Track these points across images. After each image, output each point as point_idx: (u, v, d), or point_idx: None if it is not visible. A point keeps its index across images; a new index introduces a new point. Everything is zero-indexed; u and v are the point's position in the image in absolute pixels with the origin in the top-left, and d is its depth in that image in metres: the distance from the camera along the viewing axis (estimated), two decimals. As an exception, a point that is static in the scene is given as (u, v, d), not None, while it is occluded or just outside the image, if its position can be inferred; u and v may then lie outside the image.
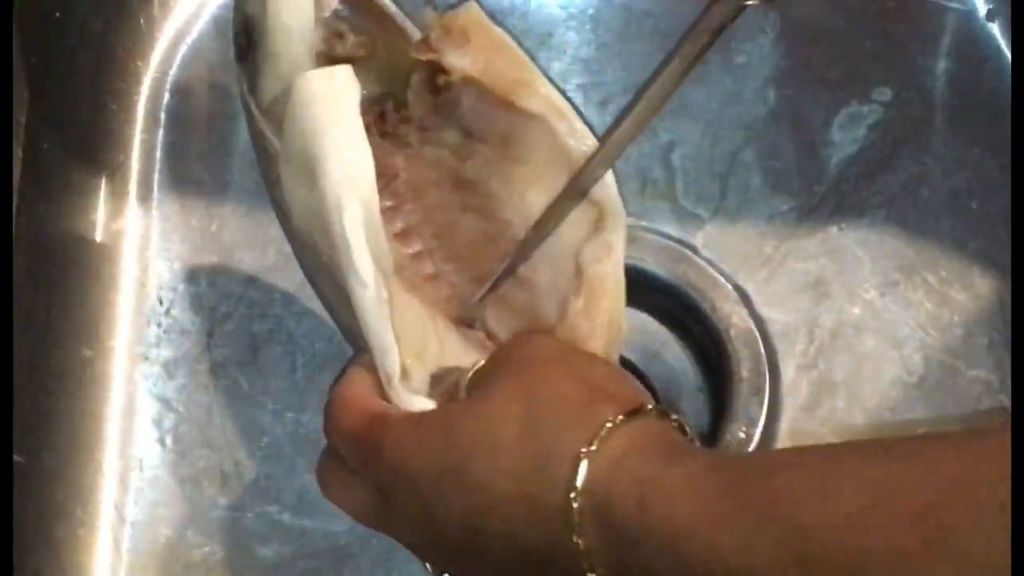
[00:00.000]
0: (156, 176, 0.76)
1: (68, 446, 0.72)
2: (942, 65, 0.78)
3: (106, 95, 0.76)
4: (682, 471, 0.45)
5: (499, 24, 0.55)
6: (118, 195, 0.75)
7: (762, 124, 0.77)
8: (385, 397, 0.53)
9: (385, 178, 0.55)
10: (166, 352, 0.74)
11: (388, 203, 0.55)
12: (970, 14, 0.78)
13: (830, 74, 0.77)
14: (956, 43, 0.78)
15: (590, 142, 0.54)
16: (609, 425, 0.47)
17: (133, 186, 0.76)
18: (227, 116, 0.76)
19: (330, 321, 0.70)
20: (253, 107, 0.54)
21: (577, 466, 0.46)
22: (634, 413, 0.47)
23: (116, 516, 0.72)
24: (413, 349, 0.53)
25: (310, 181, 0.50)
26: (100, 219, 0.75)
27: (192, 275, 0.75)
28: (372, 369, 0.53)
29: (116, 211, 0.75)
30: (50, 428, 0.71)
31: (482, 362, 0.53)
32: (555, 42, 0.78)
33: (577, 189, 0.54)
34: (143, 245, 0.75)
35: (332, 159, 0.50)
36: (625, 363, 0.68)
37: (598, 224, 0.54)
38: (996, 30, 0.78)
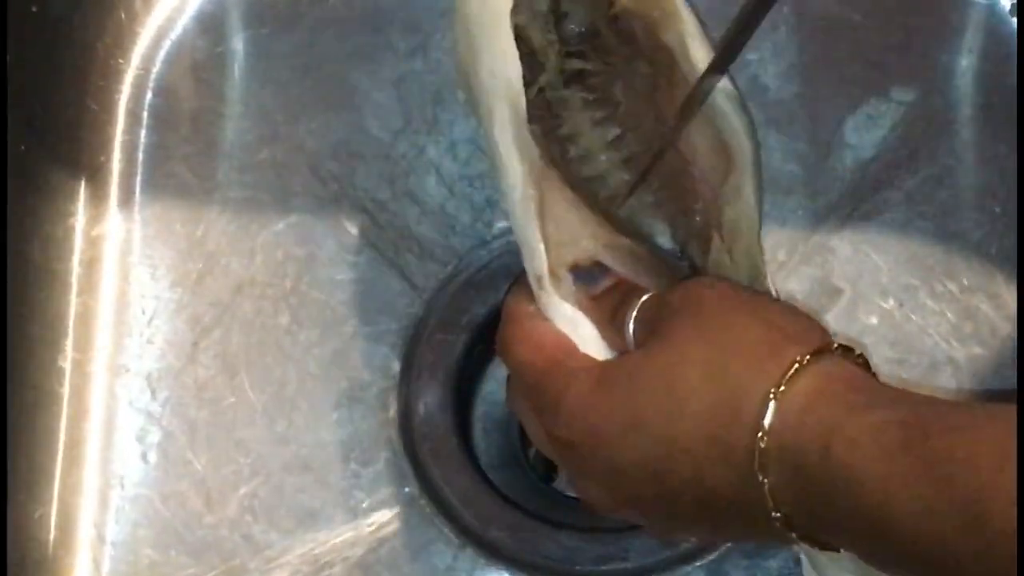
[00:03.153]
0: (138, 178, 0.75)
1: (44, 462, 0.71)
2: (965, 61, 0.77)
3: (86, 94, 0.75)
4: (866, 421, 0.46)
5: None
6: (98, 199, 0.74)
7: (775, 123, 0.75)
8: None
9: (608, 107, 0.58)
10: (149, 364, 0.73)
11: (616, 131, 0.58)
12: (994, 8, 0.77)
13: (847, 71, 0.76)
14: (980, 38, 0.77)
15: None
16: (796, 366, 0.48)
17: (114, 189, 0.75)
18: (213, 115, 0.75)
19: (322, 332, 0.72)
20: None
21: (765, 407, 0.47)
22: (819, 353, 0.48)
23: (96, 536, 0.71)
24: (564, 248, 0.56)
25: (476, 78, 0.56)
26: (79, 224, 0.74)
27: (176, 283, 0.74)
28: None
29: (96, 215, 0.74)
30: (25, 443, 0.70)
31: (646, 296, 0.54)
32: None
33: (694, 102, 0.56)
34: (124, 251, 0.74)
35: (484, 67, 0.55)
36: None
37: (729, 167, 0.57)
38: (1022, 25, 0.77)
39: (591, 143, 0.59)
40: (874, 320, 0.73)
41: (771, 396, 0.48)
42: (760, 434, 0.47)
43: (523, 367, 0.56)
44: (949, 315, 0.73)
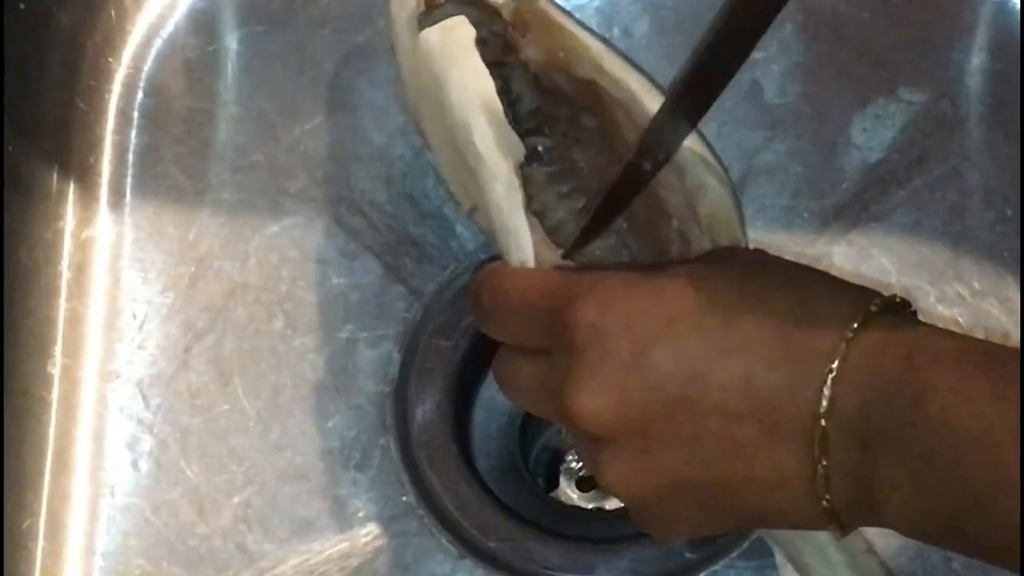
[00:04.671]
0: (129, 180, 0.75)
1: (33, 471, 0.71)
2: (976, 60, 0.76)
3: (74, 93, 0.75)
4: (948, 343, 0.45)
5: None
6: (88, 201, 0.74)
7: (781, 124, 0.75)
8: None
9: (571, 176, 0.59)
10: (140, 370, 0.73)
11: (581, 200, 0.59)
12: (1006, 6, 0.77)
13: (854, 70, 0.76)
14: (992, 37, 0.76)
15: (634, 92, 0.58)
16: (874, 308, 0.47)
17: (104, 191, 0.75)
18: (205, 115, 0.75)
19: (317, 337, 0.72)
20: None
21: (834, 355, 0.46)
22: (881, 303, 0.47)
23: (86, 546, 0.71)
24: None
25: (442, 111, 0.57)
26: (68, 227, 0.74)
27: (168, 287, 0.74)
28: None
29: (85, 218, 0.74)
30: (13, 451, 0.70)
31: None
32: (559, 36, 0.77)
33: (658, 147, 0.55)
34: (115, 254, 0.74)
35: (453, 89, 0.56)
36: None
37: (679, 173, 0.57)
38: (1035, 23, 0.77)
39: (561, 215, 0.59)
40: (883, 325, 0.73)
41: (843, 341, 0.45)
42: (830, 374, 0.45)
43: (521, 302, 0.53)
44: (960, 319, 0.73)
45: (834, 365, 0.46)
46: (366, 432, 0.71)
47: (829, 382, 0.45)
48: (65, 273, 0.73)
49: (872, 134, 0.75)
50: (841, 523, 0.47)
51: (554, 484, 0.75)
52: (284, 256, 0.73)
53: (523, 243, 0.55)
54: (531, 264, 0.55)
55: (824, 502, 0.46)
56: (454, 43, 0.57)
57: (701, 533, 0.52)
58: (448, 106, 0.57)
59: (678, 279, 0.49)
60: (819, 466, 0.46)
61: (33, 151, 0.73)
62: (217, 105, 0.75)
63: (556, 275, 0.53)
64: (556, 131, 0.61)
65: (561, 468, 0.75)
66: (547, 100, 0.61)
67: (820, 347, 0.46)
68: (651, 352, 0.48)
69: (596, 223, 0.56)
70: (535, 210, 0.58)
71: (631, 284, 0.50)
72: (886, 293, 0.48)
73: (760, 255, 0.54)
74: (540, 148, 0.60)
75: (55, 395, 0.72)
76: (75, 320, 0.73)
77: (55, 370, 0.72)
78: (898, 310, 0.48)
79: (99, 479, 0.71)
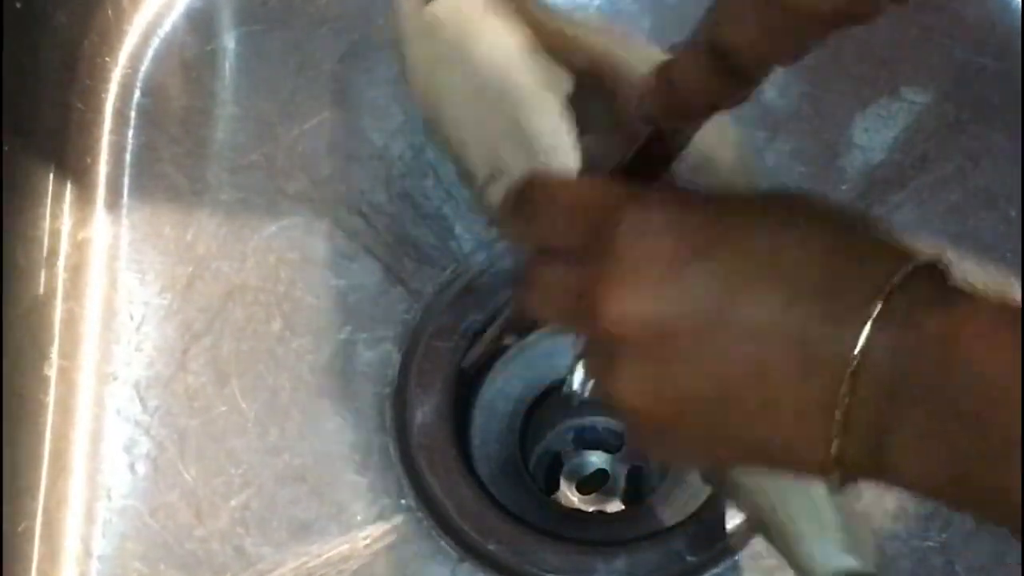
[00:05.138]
0: (126, 180, 0.75)
1: (29, 474, 0.71)
2: (979, 60, 0.76)
3: (71, 93, 0.75)
4: (983, 302, 0.44)
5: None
6: (84, 201, 0.74)
7: (783, 124, 0.75)
8: None
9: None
10: (137, 372, 0.73)
11: None
12: (1009, 6, 0.77)
13: (856, 69, 0.76)
14: (995, 36, 0.77)
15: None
16: (919, 264, 0.45)
17: (101, 192, 0.75)
18: (203, 115, 0.76)
19: (316, 338, 0.72)
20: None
21: (888, 278, 0.44)
22: (918, 263, 0.46)
23: (82, 550, 0.71)
24: None
25: (468, 71, 0.56)
26: (65, 227, 0.74)
27: (165, 288, 0.74)
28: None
29: (82, 219, 0.74)
30: (9, 454, 0.69)
31: None
32: (559, 35, 0.76)
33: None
34: (112, 255, 0.74)
35: (485, 40, 0.55)
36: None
37: None
38: (1038, 22, 0.78)
39: None
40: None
41: (905, 265, 0.45)
42: (891, 287, 0.44)
43: (562, 202, 0.51)
44: None
45: (876, 308, 0.45)
46: (365, 434, 0.71)
47: (869, 324, 0.44)
48: (62, 274, 0.73)
49: (874, 134, 0.75)
50: (844, 473, 0.46)
51: (554, 487, 0.75)
52: (282, 257, 0.73)
53: (572, 165, 0.53)
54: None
55: (834, 447, 0.45)
56: (471, 4, 0.56)
57: (700, 461, 0.52)
58: (478, 60, 0.55)
59: (728, 203, 0.49)
60: (842, 405, 0.45)
61: (30, 151, 0.72)
62: (215, 105, 0.75)
63: (607, 182, 0.52)
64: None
65: (561, 471, 0.75)
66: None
67: (864, 288, 0.45)
68: (693, 264, 0.46)
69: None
70: None
71: (682, 200, 0.49)
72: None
73: (806, 199, 0.52)
74: None
75: (51, 397, 0.72)
76: (72, 322, 0.73)
77: (51, 372, 0.72)
78: (940, 274, 0.47)
79: (96, 482, 0.71)
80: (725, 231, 0.47)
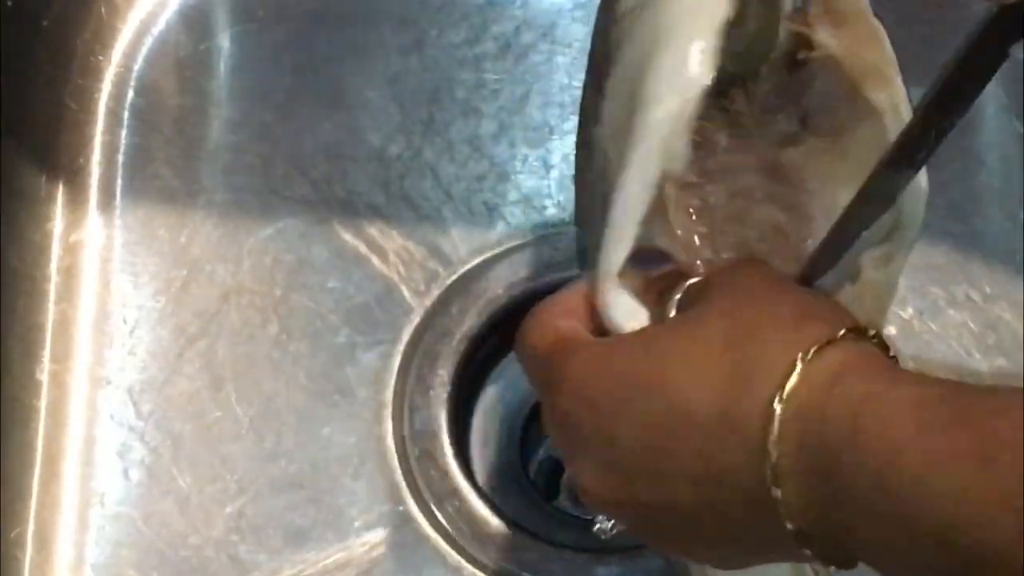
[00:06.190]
0: (119, 181, 0.75)
1: (21, 480, 0.71)
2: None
3: (63, 92, 0.75)
4: (903, 393, 0.44)
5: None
6: (77, 203, 0.75)
7: None
8: (586, 315, 0.55)
9: (703, 150, 0.57)
10: (131, 376, 0.73)
11: (692, 179, 0.57)
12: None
13: None
14: None
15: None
16: (826, 341, 0.47)
17: (93, 193, 0.75)
18: (197, 115, 0.76)
19: (312, 342, 0.72)
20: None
21: (786, 377, 0.46)
22: (852, 331, 0.48)
23: (75, 557, 0.71)
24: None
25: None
26: (57, 229, 0.74)
27: (159, 291, 0.74)
28: (580, 293, 0.55)
29: (75, 220, 0.75)
30: (0, 459, 0.70)
31: (692, 280, 0.54)
32: (559, 35, 0.77)
33: (879, 194, 0.53)
34: (105, 258, 0.74)
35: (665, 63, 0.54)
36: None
37: (891, 232, 0.56)
38: (1049, 20, 0.77)
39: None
40: (892, 330, 0.73)
41: (794, 364, 0.47)
42: (777, 401, 0.46)
43: (529, 347, 0.55)
44: (971, 324, 0.73)
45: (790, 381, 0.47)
46: (363, 440, 0.71)
47: (778, 412, 0.47)
48: (54, 277, 0.73)
49: (879, 134, 0.76)
50: (814, 549, 0.47)
51: (554, 493, 0.75)
52: (278, 259, 0.73)
53: (622, 244, 0.54)
54: (615, 269, 0.54)
55: (789, 524, 0.47)
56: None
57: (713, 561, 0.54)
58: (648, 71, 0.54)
59: (653, 346, 0.51)
60: (774, 493, 0.47)
61: (22, 151, 0.73)
62: (209, 104, 0.75)
63: (554, 341, 0.54)
64: (744, 110, 0.59)
65: (561, 478, 0.75)
66: (779, 80, 0.58)
67: (770, 385, 0.47)
68: (616, 430, 0.51)
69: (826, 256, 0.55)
70: None
71: (607, 356, 0.52)
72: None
73: (753, 281, 0.53)
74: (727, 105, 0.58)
75: (44, 402, 0.72)
76: (64, 325, 0.73)
77: (44, 376, 0.72)
78: (868, 339, 0.49)
79: (89, 488, 0.71)
80: (635, 385, 0.50)
